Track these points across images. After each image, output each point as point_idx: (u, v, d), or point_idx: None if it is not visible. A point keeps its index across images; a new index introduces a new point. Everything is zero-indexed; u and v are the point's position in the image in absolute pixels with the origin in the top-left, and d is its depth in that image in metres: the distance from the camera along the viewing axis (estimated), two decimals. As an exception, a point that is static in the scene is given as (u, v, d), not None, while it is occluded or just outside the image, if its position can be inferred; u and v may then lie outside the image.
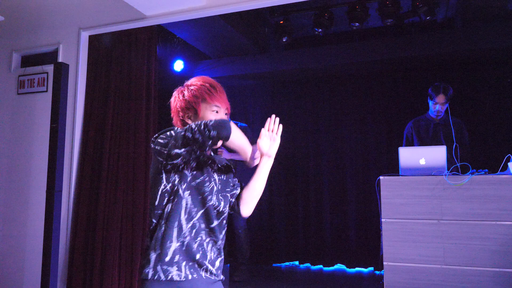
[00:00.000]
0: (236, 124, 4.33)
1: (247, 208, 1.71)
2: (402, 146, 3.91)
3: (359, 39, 4.75)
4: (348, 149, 4.91)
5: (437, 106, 3.69)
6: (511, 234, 2.91)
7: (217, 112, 1.64)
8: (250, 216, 4.24)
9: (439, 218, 3.10)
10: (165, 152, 1.48)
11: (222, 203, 1.62)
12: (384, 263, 3.20)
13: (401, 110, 4.68)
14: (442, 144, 3.69)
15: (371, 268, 4.59)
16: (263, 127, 1.66)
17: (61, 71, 3.19)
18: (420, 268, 3.10)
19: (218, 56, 5.08)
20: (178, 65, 4.89)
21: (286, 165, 5.13)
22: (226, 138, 1.44)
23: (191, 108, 1.63)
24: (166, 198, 1.52)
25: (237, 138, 1.49)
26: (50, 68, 3.69)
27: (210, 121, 1.42)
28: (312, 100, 5.13)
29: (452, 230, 3.05)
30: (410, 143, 3.88)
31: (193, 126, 1.42)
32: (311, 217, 4.96)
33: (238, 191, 1.72)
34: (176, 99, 1.68)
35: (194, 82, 1.68)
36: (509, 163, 3.02)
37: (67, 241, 3.49)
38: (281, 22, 4.41)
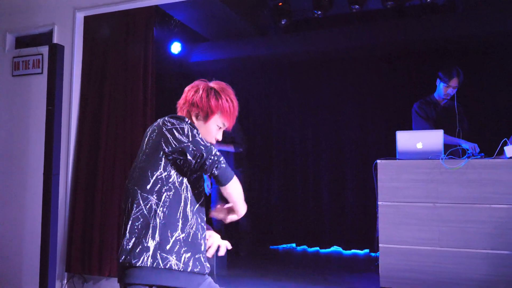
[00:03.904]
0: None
1: None
2: (402, 128, 3.88)
3: (358, 22, 4.69)
4: (347, 133, 4.92)
5: (449, 89, 3.66)
6: (506, 217, 2.94)
7: (220, 128, 1.66)
8: (247, 201, 4.29)
9: (435, 201, 3.12)
10: (174, 145, 1.48)
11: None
12: (380, 245, 3.23)
13: (400, 93, 4.67)
14: (450, 127, 3.68)
15: (367, 250, 4.64)
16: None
17: (56, 52, 3.16)
18: (415, 251, 3.14)
19: (216, 38, 5.02)
20: (176, 47, 4.84)
21: (284, 149, 5.14)
22: (221, 184, 1.52)
23: (205, 112, 1.61)
24: (162, 186, 1.49)
25: (233, 191, 1.55)
26: (45, 50, 3.64)
27: (221, 162, 1.50)
28: (310, 84, 5.10)
29: (447, 213, 3.08)
30: (427, 119, 3.75)
31: (211, 158, 1.48)
32: (309, 200, 4.99)
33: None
34: (196, 92, 1.63)
35: (220, 89, 1.65)
36: (505, 147, 3.04)
37: (65, 224, 3.51)
38: (280, 4, 4.35)
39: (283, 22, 4.40)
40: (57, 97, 3.13)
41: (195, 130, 1.52)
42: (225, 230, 4.36)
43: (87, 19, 3.69)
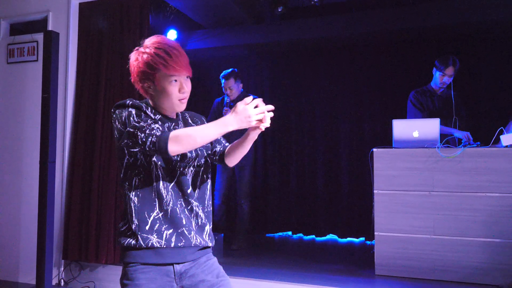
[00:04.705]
0: (248, 95, 4.28)
1: (233, 162, 1.66)
2: (399, 116, 3.88)
3: (355, 9, 4.67)
4: (343, 121, 4.92)
5: (445, 78, 3.66)
6: (500, 205, 2.97)
7: (176, 81, 1.48)
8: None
9: (431, 189, 3.14)
10: (116, 137, 1.46)
11: (196, 162, 1.57)
12: (375, 233, 3.26)
13: (397, 82, 4.67)
14: (447, 116, 3.69)
15: (363, 238, 4.68)
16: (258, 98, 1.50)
17: (52, 39, 3.12)
18: (410, 238, 3.17)
19: (212, 26, 4.98)
20: (171, 35, 4.80)
21: (280, 136, 5.14)
22: (167, 155, 1.37)
23: (148, 78, 1.49)
24: (132, 171, 1.49)
25: (182, 147, 1.36)
26: (40, 37, 3.61)
27: (151, 145, 1.35)
28: (307, 71, 5.08)
29: (442, 202, 3.10)
30: (422, 110, 3.76)
31: (141, 148, 1.38)
32: (305, 188, 5.01)
33: (218, 149, 1.65)
34: (133, 64, 1.52)
35: (148, 47, 1.48)
36: (501, 136, 3.05)
37: (62, 212, 3.51)
38: (277, -9, 4.32)
39: (279, 10, 4.37)
40: (53, 84, 3.11)
41: (133, 116, 1.42)
42: (225, 222, 4.37)
43: (82, 6, 3.64)
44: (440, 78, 3.67)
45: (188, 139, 1.35)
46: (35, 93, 3.57)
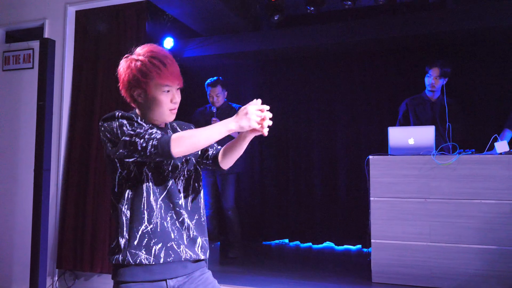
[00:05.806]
0: (230, 105, 4.29)
1: (228, 165, 1.61)
2: (395, 124, 3.92)
3: (351, 18, 4.71)
4: (339, 128, 4.93)
5: (430, 79, 3.68)
6: (496, 212, 2.98)
7: (168, 91, 1.47)
8: (240, 195, 4.27)
9: (426, 197, 3.15)
10: (108, 150, 1.43)
11: (185, 171, 1.53)
12: (372, 240, 3.26)
13: (392, 89, 4.69)
14: (440, 124, 3.71)
15: (359, 246, 4.67)
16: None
17: (48, 47, 3.12)
18: (406, 246, 3.17)
19: (209, 34, 5.00)
20: (168, 43, 4.81)
21: (277, 143, 5.15)
22: (170, 158, 1.34)
23: (139, 86, 1.47)
24: (125, 185, 1.47)
25: (186, 148, 1.33)
26: (36, 44, 3.60)
27: (151, 150, 1.33)
28: (303, 79, 5.10)
29: (438, 209, 3.11)
30: (405, 121, 3.83)
31: (139, 155, 1.35)
32: (301, 195, 5.01)
33: (211, 152, 1.62)
34: (124, 71, 1.50)
35: (142, 55, 1.48)
36: (495, 143, 3.07)
37: (56, 220, 3.49)
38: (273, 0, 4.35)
39: (276, 18, 4.40)
40: (48, 92, 3.10)
41: (125, 126, 1.40)
42: (219, 231, 4.35)
43: (78, 13, 3.65)
44: (427, 81, 3.72)
45: (191, 139, 1.33)
46: (31, 101, 3.56)
